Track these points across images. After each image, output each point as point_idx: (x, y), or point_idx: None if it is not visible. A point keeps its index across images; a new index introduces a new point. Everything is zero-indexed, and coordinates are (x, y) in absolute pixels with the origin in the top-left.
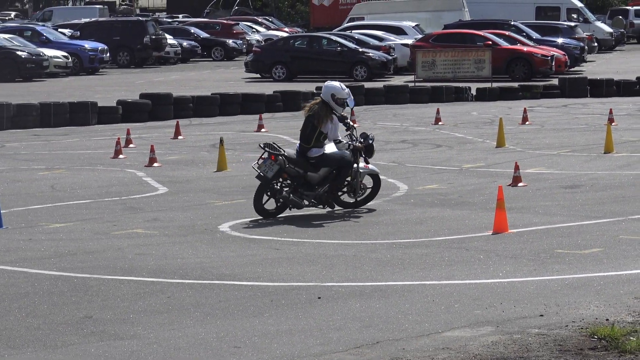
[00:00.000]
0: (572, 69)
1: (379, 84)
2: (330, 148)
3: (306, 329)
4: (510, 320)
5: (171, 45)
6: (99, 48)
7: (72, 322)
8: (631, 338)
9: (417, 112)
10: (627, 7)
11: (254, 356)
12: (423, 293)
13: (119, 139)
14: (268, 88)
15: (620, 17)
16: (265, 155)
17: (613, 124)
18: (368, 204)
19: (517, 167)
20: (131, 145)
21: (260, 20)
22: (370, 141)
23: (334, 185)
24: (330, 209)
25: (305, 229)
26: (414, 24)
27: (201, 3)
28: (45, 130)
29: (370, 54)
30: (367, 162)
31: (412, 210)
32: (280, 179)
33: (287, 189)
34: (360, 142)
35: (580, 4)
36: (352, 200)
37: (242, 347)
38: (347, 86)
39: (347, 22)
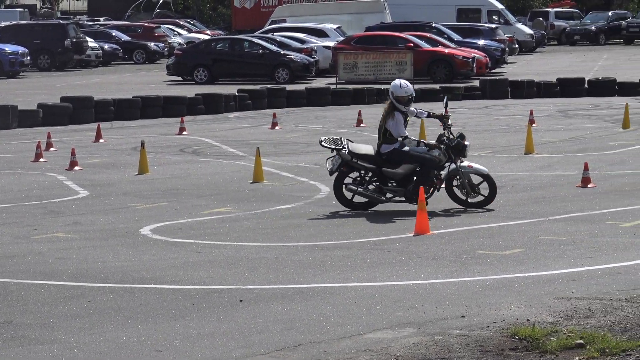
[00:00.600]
0: (493, 71)
1: (300, 86)
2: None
3: (228, 332)
4: (431, 321)
5: (92, 49)
6: (20, 51)
7: None
8: (552, 338)
9: (339, 114)
10: (548, 9)
11: None
12: (345, 295)
13: (39, 142)
14: (190, 91)
15: (541, 19)
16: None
17: (534, 125)
18: (487, 205)
19: None
20: (52, 149)
21: (182, 23)
22: (459, 140)
23: (417, 182)
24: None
25: (227, 232)
26: (335, 26)
27: (122, 6)
28: None
29: (292, 56)
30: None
31: (334, 212)
32: (357, 173)
33: (351, 182)
34: (442, 142)
35: (500, 6)
36: (471, 200)
37: (164, 351)
38: (269, 89)
39: (268, 25)
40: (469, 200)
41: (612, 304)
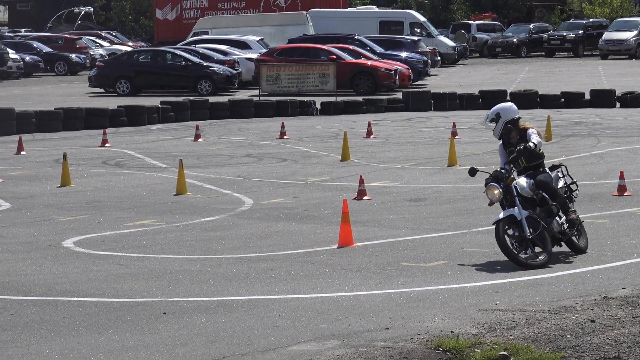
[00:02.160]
0: (416, 83)
1: (223, 98)
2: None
3: (152, 344)
4: (356, 333)
5: (13, 60)
6: None
7: None
8: (476, 350)
9: (262, 126)
10: (470, 22)
11: None
12: (269, 307)
13: None
14: (112, 103)
15: (463, 31)
16: None
17: (456, 137)
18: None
19: (362, 181)
20: None
21: (103, 34)
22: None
23: None
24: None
25: (150, 245)
26: (258, 38)
27: (44, 17)
28: None
29: (215, 68)
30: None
31: (258, 224)
32: None
33: None
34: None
35: (423, 19)
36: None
37: None
38: (191, 101)
39: (191, 37)
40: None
41: (536, 315)
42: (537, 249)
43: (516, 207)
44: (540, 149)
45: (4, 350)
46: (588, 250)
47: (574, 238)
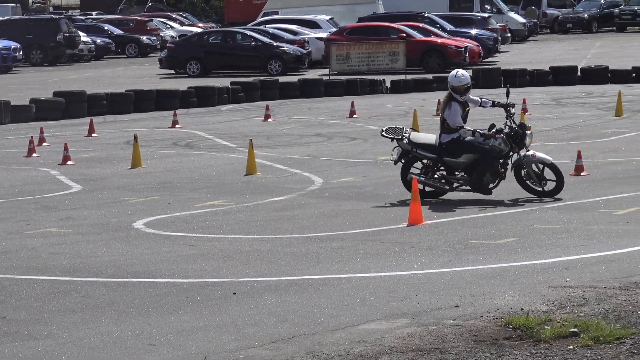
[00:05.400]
0: (486, 60)
1: (293, 78)
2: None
3: (221, 325)
4: (425, 311)
5: (85, 43)
6: (12, 47)
7: None
8: (545, 327)
9: (332, 105)
10: None
11: (170, 353)
12: (338, 286)
13: (32, 137)
14: (182, 84)
15: (533, 7)
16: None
17: (527, 113)
18: (557, 194)
19: None
20: (45, 144)
21: (174, 16)
22: (517, 129)
23: (479, 171)
24: (486, 195)
25: (220, 225)
26: (328, 18)
27: (115, 0)
28: None
29: (285, 48)
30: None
31: (327, 203)
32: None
33: (418, 171)
34: (500, 131)
35: None
36: (539, 189)
37: (158, 345)
38: (261, 81)
39: (261, 17)
40: (545, 189)
41: (606, 292)
42: None
43: None
44: None
45: (75, 331)
46: None
47: None
